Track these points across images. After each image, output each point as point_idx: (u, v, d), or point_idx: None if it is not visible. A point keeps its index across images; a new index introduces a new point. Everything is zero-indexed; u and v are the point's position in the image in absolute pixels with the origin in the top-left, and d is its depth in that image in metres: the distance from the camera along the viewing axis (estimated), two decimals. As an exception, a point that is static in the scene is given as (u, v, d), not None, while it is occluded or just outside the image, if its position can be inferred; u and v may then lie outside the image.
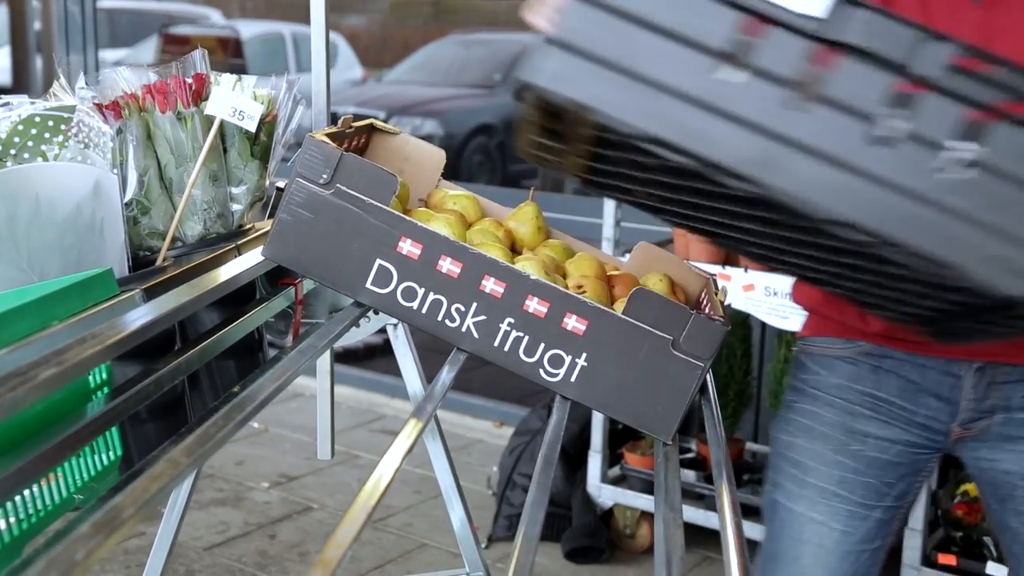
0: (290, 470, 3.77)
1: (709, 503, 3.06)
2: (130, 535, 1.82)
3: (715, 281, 1.76)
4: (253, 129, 1.59)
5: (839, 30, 0.91)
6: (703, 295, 1.73)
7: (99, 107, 1.59)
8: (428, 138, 9.01)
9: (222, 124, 1.66)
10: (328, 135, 1.60)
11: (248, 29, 10.34)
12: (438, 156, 1.87)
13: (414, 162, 1.87)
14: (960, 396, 1.53)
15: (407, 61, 9.57)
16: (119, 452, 1.26)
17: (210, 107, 1.57)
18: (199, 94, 1.63)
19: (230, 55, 9.73)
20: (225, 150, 1.70)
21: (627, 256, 1.81)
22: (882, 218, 0.92)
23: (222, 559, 3.11)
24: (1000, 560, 2.54)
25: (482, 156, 8.73)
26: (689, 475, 3.12)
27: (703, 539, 3.18)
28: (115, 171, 1.39)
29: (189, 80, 1.64)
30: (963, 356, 1.51)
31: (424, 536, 3.28)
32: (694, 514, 3.05)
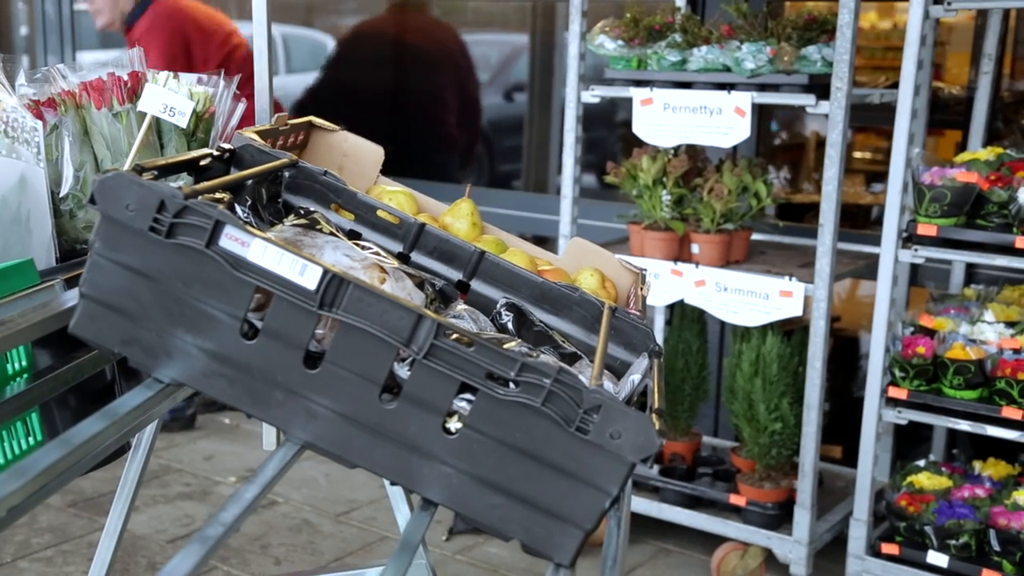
0: (258, 465, 3.81)
1: (664, 496, 3.10)
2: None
3: (644, 276, 1.81)
4: (183, 125, 1.63)
5: (330, 301, 1.08)
6: (631, 290, 1.78)
7: (36, 103, 1.64)
8: (416, 138, 8.96)
9: (159, 121, 1.70)
10: (260, 132, 1.64)
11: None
12: (376, 152, 1.91)
13: (353, 158, 1.91)
14: None
15: (396, 61, 9.58)
16: (39, 437, 1.30)
17: (142, 103, 1.62)
18: (134, 91, 1.67)
19: (215, 55, 9.77)
20: (163, 146, 1.74)
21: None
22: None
23: (185, 552, 3.15)
24: (940, 549, 2.59)
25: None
26: (648, 468, 3.17)
27: (659, 531, 3.23)
28: (41, 165, 1.43)
29: (125, 78, 1.69)
30: None
31: (386, 529, 3.32)
32: (648, 506, 3.10)
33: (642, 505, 3.11)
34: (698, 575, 3.08)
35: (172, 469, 3.77)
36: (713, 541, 3.05)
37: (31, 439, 1.28)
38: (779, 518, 2.94)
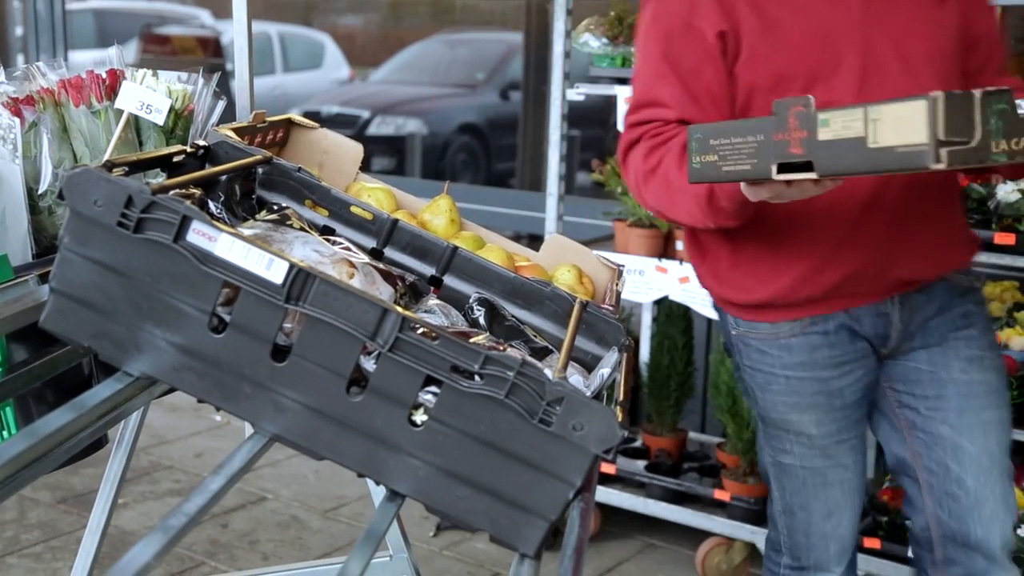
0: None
1: (651, 491, 3.11)
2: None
3: (621, 272, 1.82)
4: (160, 122, 1.65)
5: (297, 295, 1.09)
6: (608, 285, 1.79)
7: (15, 100, 1.65)
8: (412, 137, 9.00)
9: (138, 119, 1.72)
10: (237, 129, 1.66)
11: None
12: (356, 150, 1.93)
13: (333, 156, 1.93)
14: (891, 329, 1.83)
15: (392, 61, 9.61)
16: (14, 431, 1.32)
17: (119, 101, 1.63)
18: (112, 89, 1.69)
19: (210, 55, 9.80)
20: (141, 143, 1.75)
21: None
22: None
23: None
24: (921, 544, 2.60)
25: (465, 155, 8.78)
26: (634, 464, 3.18)
27: (645, 527, 3.24)
28: (17, 162, 1.45)
29: (103, 75, 1.70)
30: (886, 296, 1.82)
31: (375, 525, 3.34)
32: (634, 502, 3.11)
33: (628, 500, 3.12)
34: (684, 570, 3.10)
35: (162, 466, 3.79)
36: (699, 536, 3.07)
37: (5, 433, 1.30)
38: (763, 513, 2.94)
